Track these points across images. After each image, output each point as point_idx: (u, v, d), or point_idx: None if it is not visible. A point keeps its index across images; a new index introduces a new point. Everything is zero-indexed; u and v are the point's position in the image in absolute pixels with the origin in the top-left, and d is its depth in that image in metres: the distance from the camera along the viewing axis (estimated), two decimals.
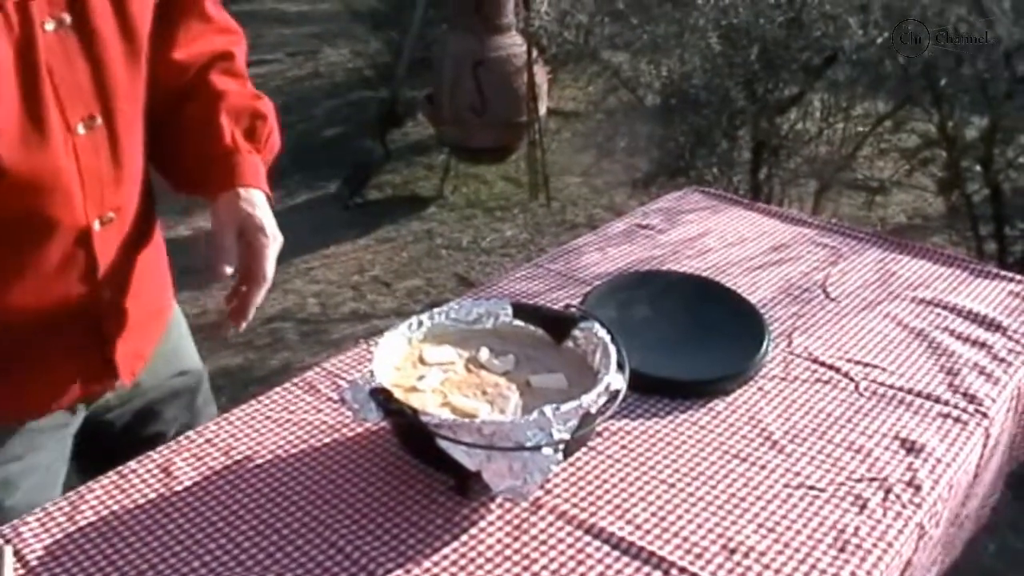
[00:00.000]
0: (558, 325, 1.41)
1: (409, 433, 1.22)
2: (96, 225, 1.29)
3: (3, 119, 1.13)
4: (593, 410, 1.22)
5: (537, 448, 1.14)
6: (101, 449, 1.42)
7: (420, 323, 1.39)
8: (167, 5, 1.35)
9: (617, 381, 1.27)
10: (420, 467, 1.28)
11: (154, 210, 1.46)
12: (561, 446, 1.16)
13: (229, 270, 1.29)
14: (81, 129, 1.22)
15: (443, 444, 1.15)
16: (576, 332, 1.39)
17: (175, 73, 1.39)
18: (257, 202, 1.34)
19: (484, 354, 1.37)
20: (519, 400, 1.28)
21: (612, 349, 1.32)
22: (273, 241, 1.33)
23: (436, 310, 1.41)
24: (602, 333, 1.35)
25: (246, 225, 1.32)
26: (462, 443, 1.14)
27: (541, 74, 5.13)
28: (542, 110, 5.08)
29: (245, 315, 1.33)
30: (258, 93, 1.44)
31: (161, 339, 1.53)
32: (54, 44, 1.17)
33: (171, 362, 1.57)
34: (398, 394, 1.22)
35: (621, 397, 1.27)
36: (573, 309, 1.45)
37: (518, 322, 1.43)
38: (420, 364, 1.35)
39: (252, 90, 1.45)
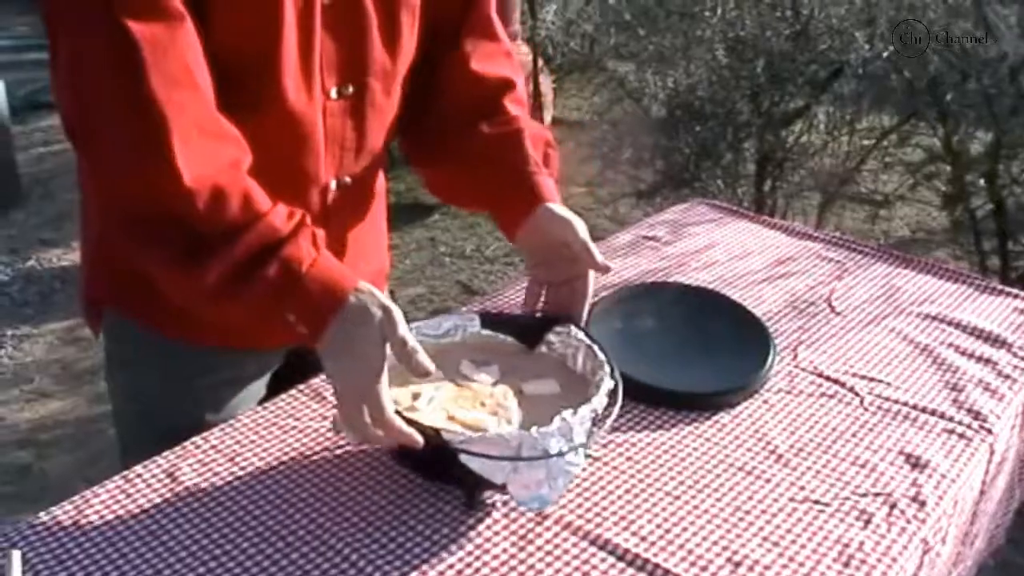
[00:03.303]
0: (528, 332, 1.42)
1: (420, 453, 1.20)
2: (332, 185, 1.43)
3: (289, 71, 1.28)
4: (600, 411, 1.23)
5: (561, 455, 1.14)
6: (299, 377, 1.50)
7: None
8: (461, 23, 1.52)
9: (610, 380, 1.28)
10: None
11: (384, 185, 1.65)
12: (582, 450, 1.17)
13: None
14: (334, 94, 1.36)
15: (467, 460, 1.14)
16: (551, 337, 1.40)
17: (472, 85, 1.52)
18: (569, 214, 1.43)
19: (467, 367, 1.36)
20: (518, 409, 1.28)
21: (598, 349, 1.33)
22: (587, 237, 1.42)
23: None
24: (581, 336, 1.36)
25: (571, 241, 1.41)
26: (490, 457, 1.14)
27: (546, 83, 5.14)
28: (547, 119, 5.08)
29: (581, 316, 1.44)
30: (542, 124, 1.55)
31: None
32: (328, 16, 1.31)
33: None
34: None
35: (620, 397, 1.27)
36: (540, 315, 1.46)
37: (486, 332, 1.42)
38: (409, 384, 1.32)
39: (535, 120, 1.56)
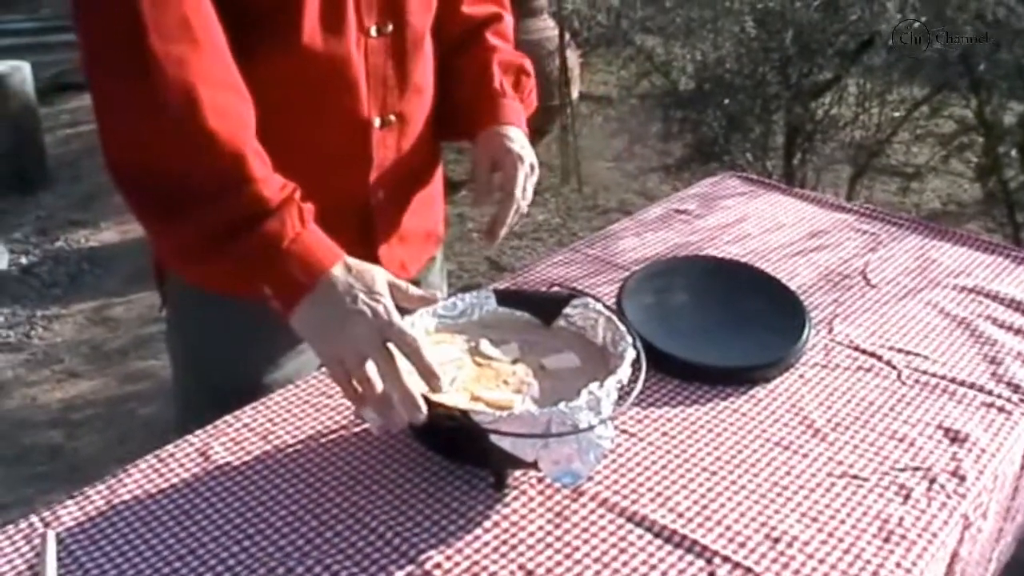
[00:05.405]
0: (545, 307, 1.40)
1: (447, 435, 1.19)
2: (376, 122, 1.44)
3: (311, 12, 1.29)
4: (625, 381, 1.21)
5: (591, 428, 1.13)
6: None
7: (411, 324, 1.32)
8: None
9: (632, 351, 1.26)
10: None
11: (437, 139, 1.63)
12: (611, 423, 1.16)
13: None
14: (373, 32, 1.39)
15: (497, 439, 1.13)
16: (568, 311, 1.38)
17: (459, 24, 1.59)
18: (514, 136, 1.50)
19: (486, 346, 1.34)
20: (540, 384, 1.27)
21: (618, 320, 1.31)
22: (523, 164, 1.48)
23: (420, 311, 1.35)
24: (601, 308, 1.35)
25: (499, 155, 1.48)
26: (520, 435, 1.13)
27: (573, 58, 5.11)
28: (574, 94, 5.06)
29: (495, 234, 1.48)
30: (522, 54, 1.63)
31: (427, 265, 1.69)
32: None
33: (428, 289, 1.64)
34: None
35: (644, 367, 1.25)
36: (557, 289, 1.45)
37: (503, 309, 1.41)
38: None
39: (518, 51, 1.63)
